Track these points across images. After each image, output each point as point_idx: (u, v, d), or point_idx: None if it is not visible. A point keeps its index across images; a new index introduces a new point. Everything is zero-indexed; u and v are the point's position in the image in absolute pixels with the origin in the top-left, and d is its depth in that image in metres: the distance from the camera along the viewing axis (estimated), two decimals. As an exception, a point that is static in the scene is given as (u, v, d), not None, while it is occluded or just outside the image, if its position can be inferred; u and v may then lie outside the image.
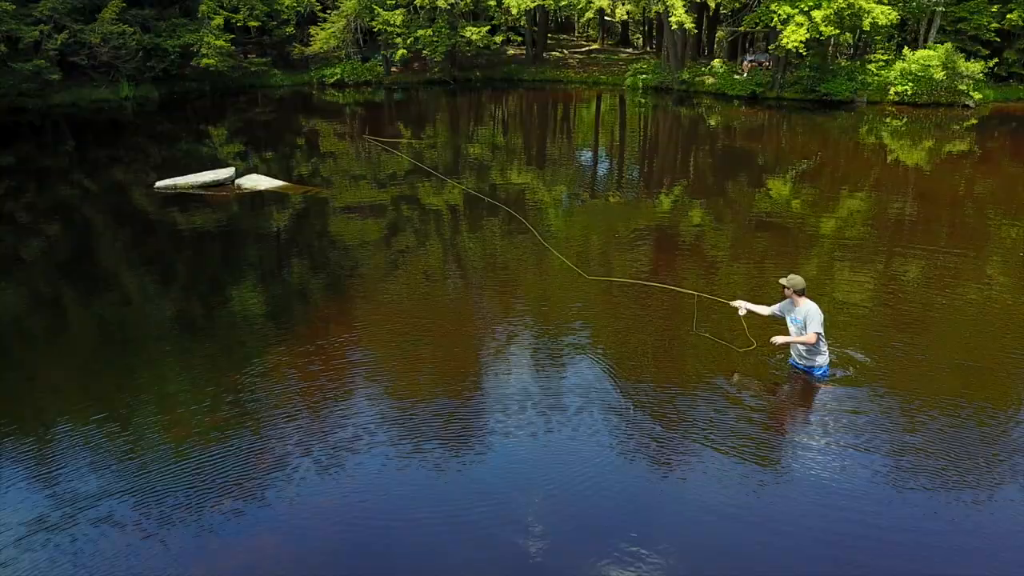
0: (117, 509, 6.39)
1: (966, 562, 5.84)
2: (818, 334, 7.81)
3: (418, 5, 35.21)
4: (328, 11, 35.72)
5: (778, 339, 7.99)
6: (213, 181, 17.01)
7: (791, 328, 8.04)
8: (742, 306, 8.35)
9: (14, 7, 27.65)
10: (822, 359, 8.02)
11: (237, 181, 17.15)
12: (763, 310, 8.42)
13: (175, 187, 16.85)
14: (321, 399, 8.04)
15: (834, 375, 8.19)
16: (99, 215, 16.38)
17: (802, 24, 28.27)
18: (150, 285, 12.02)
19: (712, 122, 29.45)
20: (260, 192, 16.78)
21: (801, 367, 8.15)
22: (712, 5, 37.69)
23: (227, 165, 18.15)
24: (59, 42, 28.63)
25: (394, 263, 12.88)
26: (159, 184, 16.90)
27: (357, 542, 6.13)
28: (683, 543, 6.07)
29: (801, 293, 7.84)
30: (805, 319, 7.83)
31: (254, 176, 17.44)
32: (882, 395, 7.94)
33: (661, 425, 7.47)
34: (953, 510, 6.34)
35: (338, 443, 7.32)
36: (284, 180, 17.56)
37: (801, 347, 8.05)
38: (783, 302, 8.14)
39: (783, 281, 7.96)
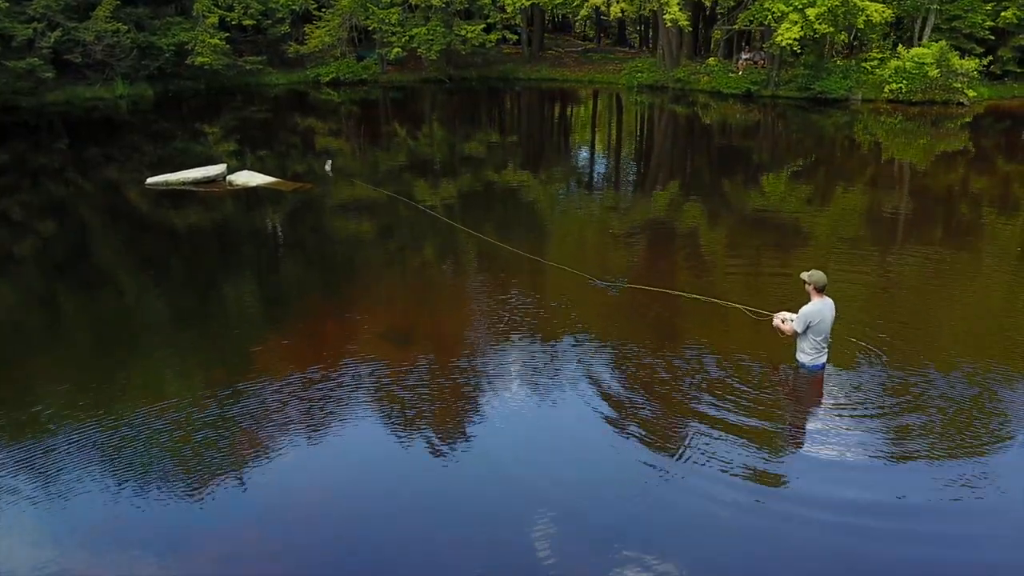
0: (101, 497, 6.37)
1: (979, 551, 5.82)
2: (796, 332, 7.81)
3: (413, 3, 35.16)
4: (323, 9, 35.66)
5: (777, 321, 8.06)
6: (204, 177, 16.97)
7: None
8: (787, 319, 8.10)
9: (7, 5, 27.57)
10: (805, 357, 7.97)
11: (229, 177, 17.11)
12: None
13: (166, 183, 16.81)
14: (310, 391, 8.00)
15: (834, 367, 8.16)
16: (91, 212, 16.36)
17: (796, 22, 28.27)
18: (141, 280, 12.00)
19: (707, 120, 29.45)
20: (251, 188, 16.74)
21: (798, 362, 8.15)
22: (707, 4, 37.71)
23: (220, 162, 18.10)
24: (52, 40, 28.55)
25: (386, 258, 12.86)
26: (150, 180, 16.86)
27: (343, 534, 6.09)
28: (687, 542, 5.98)
29: (820, 290, 7.74)
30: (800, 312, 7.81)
31: (245, 172, 17.41)
32: (883, 385, 7.92)
33: (664, 422, 7.42)
34: (961, 494, 6.33)
35: (327, 435, 7.30)
36: (276, 176, 17.52)
37: (798, 342, 8.02)
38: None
39: (804, 276, 7.86)
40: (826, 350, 7.98)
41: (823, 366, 8.01)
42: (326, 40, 34.87)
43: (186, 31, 32.14)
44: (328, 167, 18.76)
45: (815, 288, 7.76)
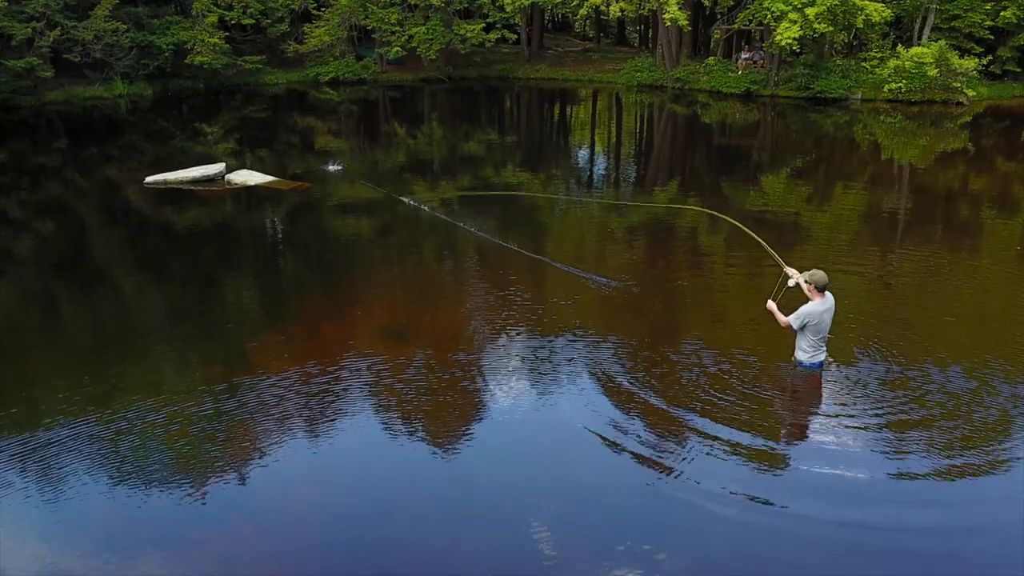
0: (96, 495, 6.36)
1: (980, 567, 5.72)
2: (790, 326, 7.82)
3: (412, 3, 35.14)
4: (322, 9, 35.64)
5: (772, 305, 8.03)
6: (203, 176, 16.96)
7: None
8: (795, 275, 8.07)
9: (6, 4, 27.55)
10: (803, 355, 7.99)
11: (227, 176, 17.10)
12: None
13: (165, 182, 16.80)
14: (309, 388, 7.99)
15: (834, 365, 8.15)
16: (90, 211, 16.34)
17: (796, 21, 28.26)
18: (140, 278, 11.98)
19: (707, 119, 29.43)
20: (250, 187, 16.72)
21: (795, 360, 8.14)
22: (707, 3, 37.70)
23: (219, 161, 18.08)
24: (51, 39, 28.52)
25: (384, 256, 12.84)
26: (148, 180, 16.85)
27: (341, 535, 6.07)
28: (686, 544, 5.92)
29: (821, 290, 7.73)
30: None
31: (244, 171, 17.39)
32: (883, 384, 7.90)
33: (663, 422, 7.37)
34: (962, 505, 6.27)
35: (326, 434, 7.28)
36: (275, 176, 17.50)
37: (796, 339, 8.02)
38: None
39: (805, 276, 7.87)
40: (824, 348, 7.98)
41: (821, 364, 8.01)
42: (325, 39, 34.84)
43: (185, 30, 32.12)
44: (333, 167, 19.01)
45: (815, 288, 7.75)
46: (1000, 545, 5.84)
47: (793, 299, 8.01)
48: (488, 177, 19.19)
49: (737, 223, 9.14)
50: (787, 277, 8.06)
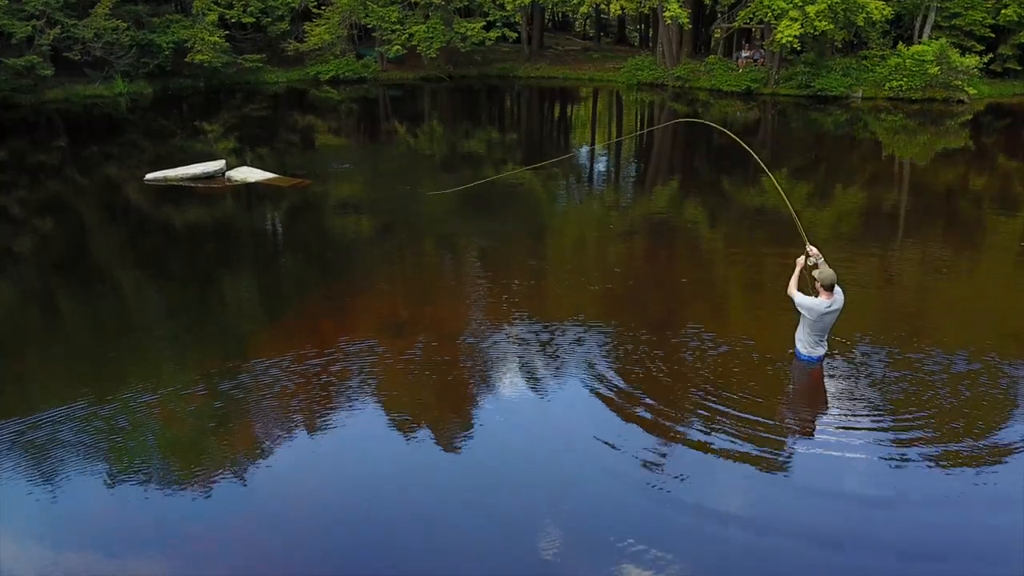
0: (93, 490, 6.35)
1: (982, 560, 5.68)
2: (792, 297, 7.79)
3: (413, 1, 35.12)
4: (323, 7, 35.61)
5: (800, 261, 8.02)
6: (203, 173, 16.95)
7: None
8: (814, 253, 8.02)
9: (6, 2, 27.52)
10: (802, 347, 7.98)
11: (228, 173, 17.08)
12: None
13: (165, 179, 16.78)
14: (309, 386, 7.98)
15: (834, 365, 8.13)
16: (90, 208, 16.33)
17: (796, 19, 28.22)
18: (141, 274, 11.97)
19: (707, 118, 29.37)
20: (250, 184, 16.71)
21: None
22: (708, 1, 37.67)
23: (219, 159, 18.06)
24: (52, 37, 28.49)
25: (385, 252, 12.83)
26: (149, 177, 16.84)
27: (338, 535, 6.04)
28: (688, 545, 5.87)
29: (828, 288, 7.70)
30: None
31: (244, 168, 17.38)
32: (883, 383, 7.88)
33: (664, 421, 7.34)
34: (963, 506, 6.21)
35: (326, 432, 7.27)
36: (275, 173, 17.48)
37: (798, 329, 7.99)
38: None
39: (814, 274, 7.86)
40: (825, 343, 7.97)
41: (821, 359, 7.99)
42: (325, 38, 34.79)
43: (185, 29, 32.09)
44: (337, 167, 19.11)
45: (823, 287, 7.73)
46: (1000, 544, 5.80)
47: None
48: (488, 175, 19.16)
49: (740, 141, 9.13)
50: (807, 255, 7.99)
